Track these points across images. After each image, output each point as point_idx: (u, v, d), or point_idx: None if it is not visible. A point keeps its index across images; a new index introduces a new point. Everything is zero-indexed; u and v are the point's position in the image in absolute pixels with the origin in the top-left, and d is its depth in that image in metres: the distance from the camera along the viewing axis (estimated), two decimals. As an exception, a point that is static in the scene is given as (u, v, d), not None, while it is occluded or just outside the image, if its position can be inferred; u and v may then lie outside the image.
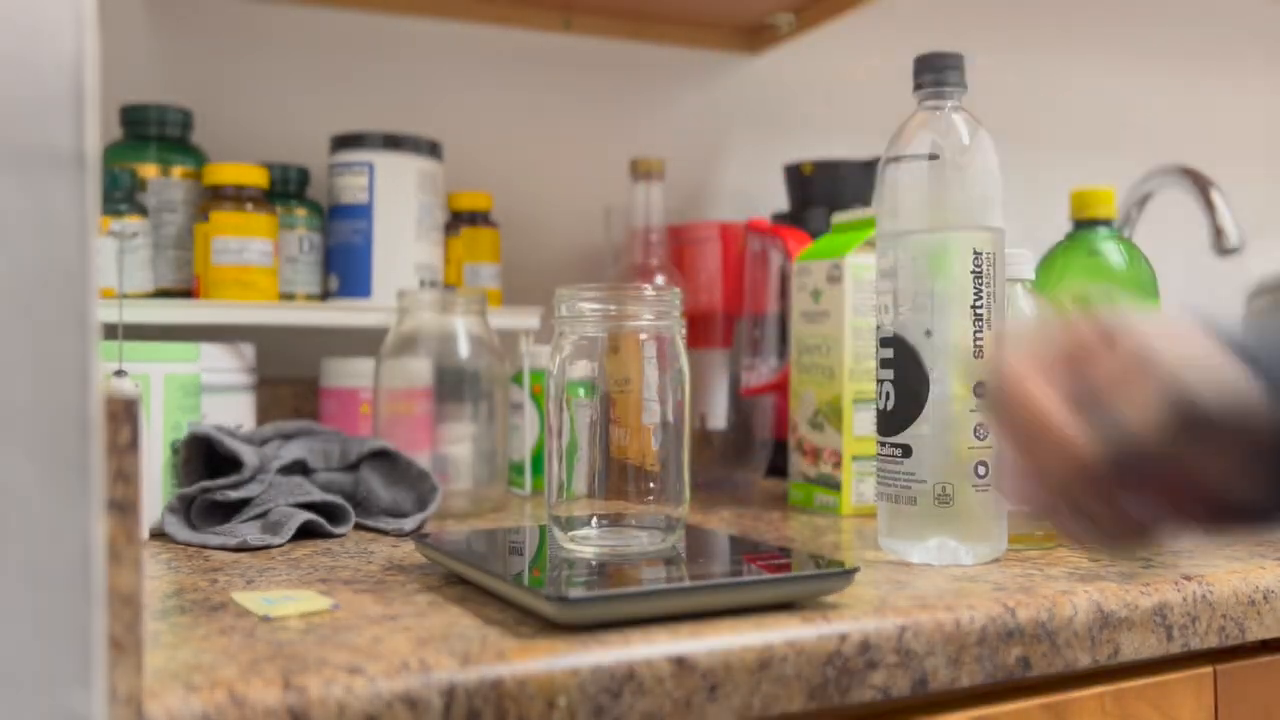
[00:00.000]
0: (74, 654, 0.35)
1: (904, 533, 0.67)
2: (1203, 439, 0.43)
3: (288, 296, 1.00)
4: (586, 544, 0.61)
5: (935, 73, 0.68)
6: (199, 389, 0.81)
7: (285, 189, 1.02)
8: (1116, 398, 0.44)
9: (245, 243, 0.93)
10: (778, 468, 1.05)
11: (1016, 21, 1.52)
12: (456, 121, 1.20)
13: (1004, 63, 1.51)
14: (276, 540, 0.71)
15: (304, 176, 1.03)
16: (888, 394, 0.68)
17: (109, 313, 0.82)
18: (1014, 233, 1.49)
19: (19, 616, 0.34)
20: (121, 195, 0.92)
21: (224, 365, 0.87)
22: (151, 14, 1.08)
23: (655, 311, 0.62)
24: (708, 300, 1.07)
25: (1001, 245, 0.67)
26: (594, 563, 0.58)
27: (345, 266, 1.00)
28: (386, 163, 0.99)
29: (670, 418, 0.62)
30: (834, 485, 0.87)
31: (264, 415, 1.07)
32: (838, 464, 0.86)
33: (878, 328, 0.69)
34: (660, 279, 1.04)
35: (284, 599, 0.56)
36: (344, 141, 1.00)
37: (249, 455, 0.76)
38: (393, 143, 1.00)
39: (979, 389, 0.65)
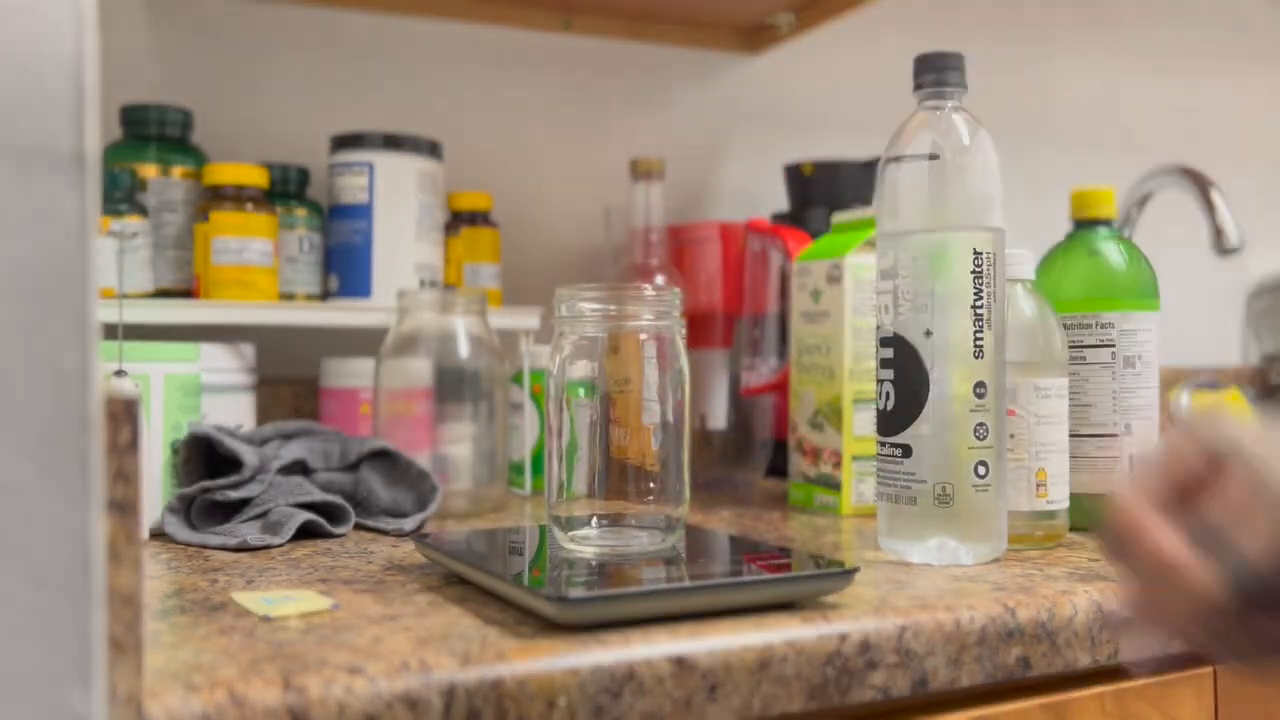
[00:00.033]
0: (74, 654, 0.35)
1: (904, 533, 0.67)
2: None
3: (288, 296, 1.00)
4: (586, 544, 0.61)
5: (935, 73, 0.68)
6: (199, 389, 0.81)
7: (285, 189, 1.02)
8: (1234, 529, 0.44)
9: (245, 243, 0.93)
10: (778, 468, 1.05)
11: (1016, 21, 1.52)
12: (456, 121, 1.20)
13: (1004, 63, 1.51)
14: (276, 540, 0.71)
15: (304, 176, 1.03)
16: (888, 394, 0.68)
17: (109, 313, 0.82)
18: (1014, 233, 1.49)
19: (19, 616, 0.34)
20: (121, 195, 0.92)
21: (224, 365, 0.87)
22: (151, 14, 1.08)
23: (655, 311, 0.62)
24: (708, 300, 1.07)
25: (1001, 245, 0.67)
26: (594, 563, 0.58)
27: (345, 266, 1.00)
28: (386, 163, 0.99)
29: (670, 418, 0.62)
30: (834, 485, 0.87)
31: (264, 415, 1.07)
32: (838, 464, 0.86)
33: (878, 328, 0.69)
34: (660, 279, 1.04)
35: (284, 599, 0.56)
36: (344, 141, 1.00)
37: (249, 455, 0.76)
38: (393, 143, 1.00)
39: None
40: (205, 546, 0.72)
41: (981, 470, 0.66)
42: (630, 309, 0.62)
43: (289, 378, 1.11)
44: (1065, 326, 0.79)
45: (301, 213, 1.01)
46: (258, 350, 1.09)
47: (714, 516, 0.85)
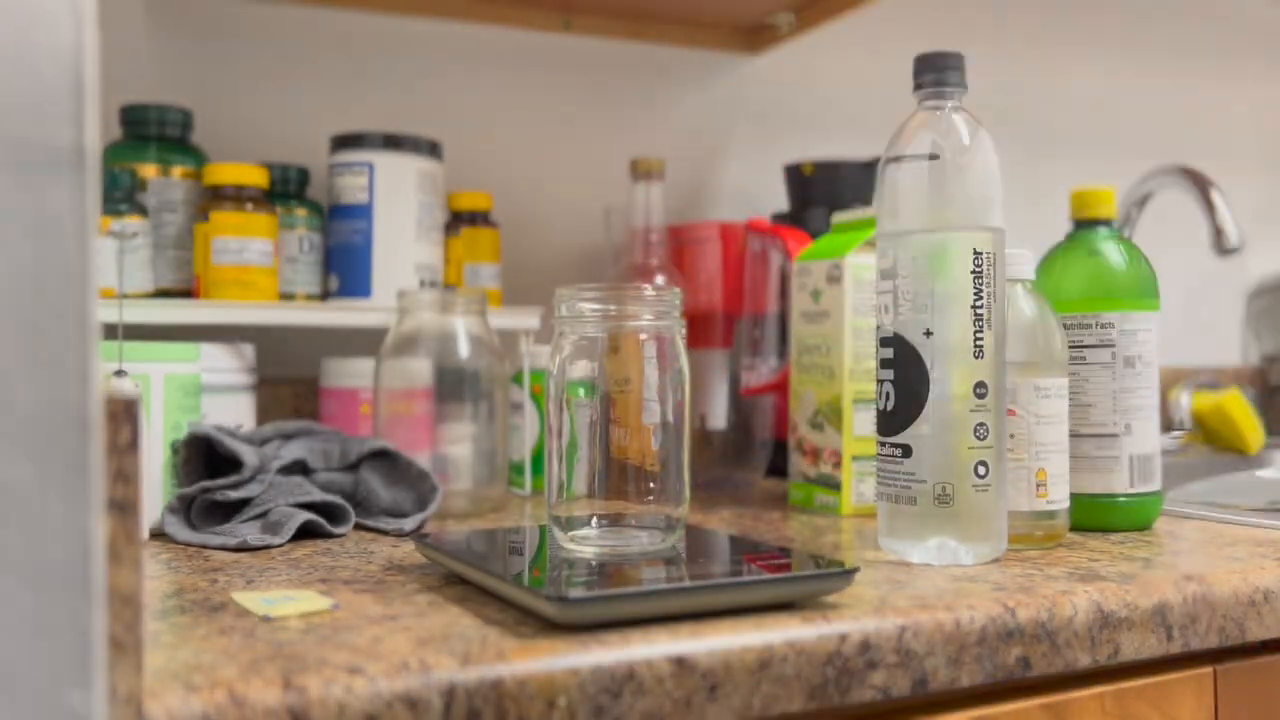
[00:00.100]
0: (74, 654, 0.35)
1: (904, 533, 0.67)
2: None
3: (288, 296, 1.00)
4: (586, 544, 0.61)
5: (935, 73, 0.68)
6: (199, 389, 0.81)
7: (285, 189, 1.02)
8: None
9: (245, 243, 0.93)
10: (778, 468, 1.05)
11: (1016, 21, 1.52)
12: (456, 121, 1.20)
13: (1004, 63, 1.51)
14: (276, 540, 0.71)
15: (304, 176, 1.03)
16: (888, 394, 0.68)
17: (109, 313, 0.82)
18: (1014, 233, 1.50)
19: (19, 616, 0.34)
20: (121, 195, 0.92)
21: (224, 365, 0.87)
22: (151, 14, 1.08)
23: (655, 311, 0.62)
24: (708, 300, 1.07)
25: (1001, 245, 0.67)
26: (594, 563, 0.58)
27: (345, 266, 1.00)
28: (386, 163, 0.99)
29: (670, 418, 0.62)
30: (834, 485, 0.87)
31: (264, 415, 1.07)
32: (838, 464, 0.86)
33: (878, 328, 0.69)
34: (660, 279, 1.04)
35: (284, 599, 0.56)
36: (344, 141, 1.00)
37: (249, 455, 0.76)
38: (393, 143, 1.00)
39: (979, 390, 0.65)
40: (205, 546, 0.72)
41: (981, 470, 0.66)
42: (630, 309, 0.62)
43: (289, 378, 1.11)
44: (1065, 326, 0.79)
45: (301, 213, 1.01)
46: (258, 350, 1.09)
47: (714, 516, 0.85)
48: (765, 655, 0.50)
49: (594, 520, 0.62)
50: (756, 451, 1.02)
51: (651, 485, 0.62)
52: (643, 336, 0.62)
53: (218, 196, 0.93)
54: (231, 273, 0.93)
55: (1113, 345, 0.79)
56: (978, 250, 0.66)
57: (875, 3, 1.19)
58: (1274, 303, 1.65)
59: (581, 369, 0.62)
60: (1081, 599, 0.58)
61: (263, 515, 0.75)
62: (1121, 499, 0.78)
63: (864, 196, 1.11)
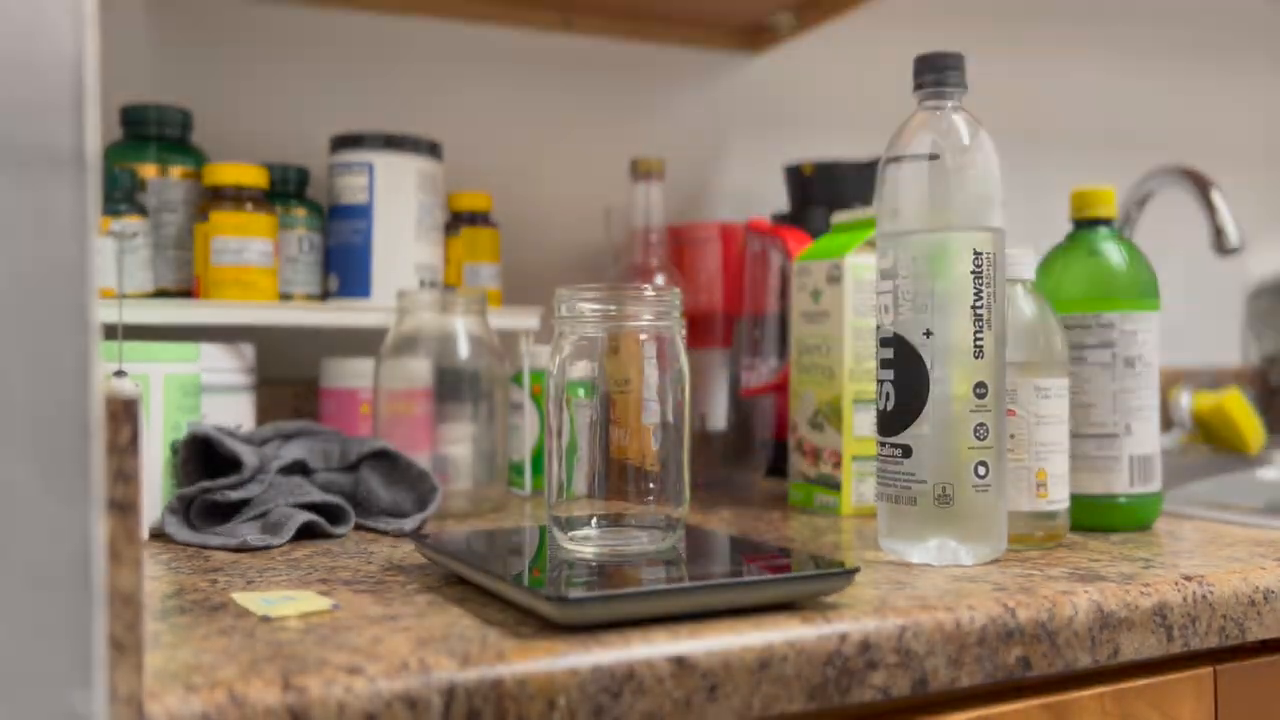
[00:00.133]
0: (74, 654, 0.35)
1: (904, 533, 0.67)
2: None
3: (287, 297, 1.00)
4: (586, 544, 0.61)
5: (936, 73, 0.68)
6: (199, 389, 0.81)
7: (285, 189, 1.02)
8: None
9: (245, 243, 0.93)
10: (778, 468, 1.05)
11: (1016, 21, 1.52)
12: (456, 121, 1.20)
13: (1004, 63, 1.51)
14: (276, 541, 0.71)
15: (304, 176, 1.03)
16: (888, 394, 0.68)
17: (109, 313, 0.82)
18: (1014, 233, 1.50)
19: (19, 616, 0.34)
20: (121, 195, 0.92)
21: (224, 365, 0.87)
22: (151, 14, 1.08)
23: (655, 311, 0.62)
24: (708, 300, 1.07)
25: (1001, 245, 0.67)
26: (594, 563, 0.58)
27: (345, 266, 1.00)
28: (386, 163, 0.99)
29: (670, 418, 0.62)
30: (834, 485, 0.87)
31: (264, 415, 1.07)
32: (838, 464, 0.86)
33: (878, 328, 0.69)
34: (660, 279, 1.04)
35: (284, 599, 0.56)
36: (344, 141, 1.00)
37: (249, 455, 0.76)
38: (393, 143, 1.00)
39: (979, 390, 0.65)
40: (205, 547, 0.72)
41: (982, 470, 0.66)
42: (630, 309, 0.62)
43: (289, 378, 1.11)
44: (1065, 326, 0.79)
45: (301, 213, 1.01)
46: (258, 350, 1.09)
47: (714, 516, 0.85)
48: (765, 655, 0.50)
49: (594, 520, 0.62)
50: (756, 451, 1.02)
51: (651, 485, 0.62)
52: (643, 336, 0.62)
53: (217, 196, 0.93)
54: (231, 273, 0.93)
55: (1113, 345, 0.79)
56: (978, 250, 0.66)
57: (875, 3, 1.19)
58: (1274, 303, 1.65)
59: (581, 369, 0.62)
60: (1082, 599, 0.58)
61: (263, 515, 0.75)
62: (1121, 499, 0.78)
63: (864, 196, 1.11)
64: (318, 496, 0.76)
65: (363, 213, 0.99)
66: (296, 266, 1.00)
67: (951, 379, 0.66)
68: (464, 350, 0.87)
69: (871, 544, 0.73)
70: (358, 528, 0.80)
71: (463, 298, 0.88)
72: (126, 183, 0.92)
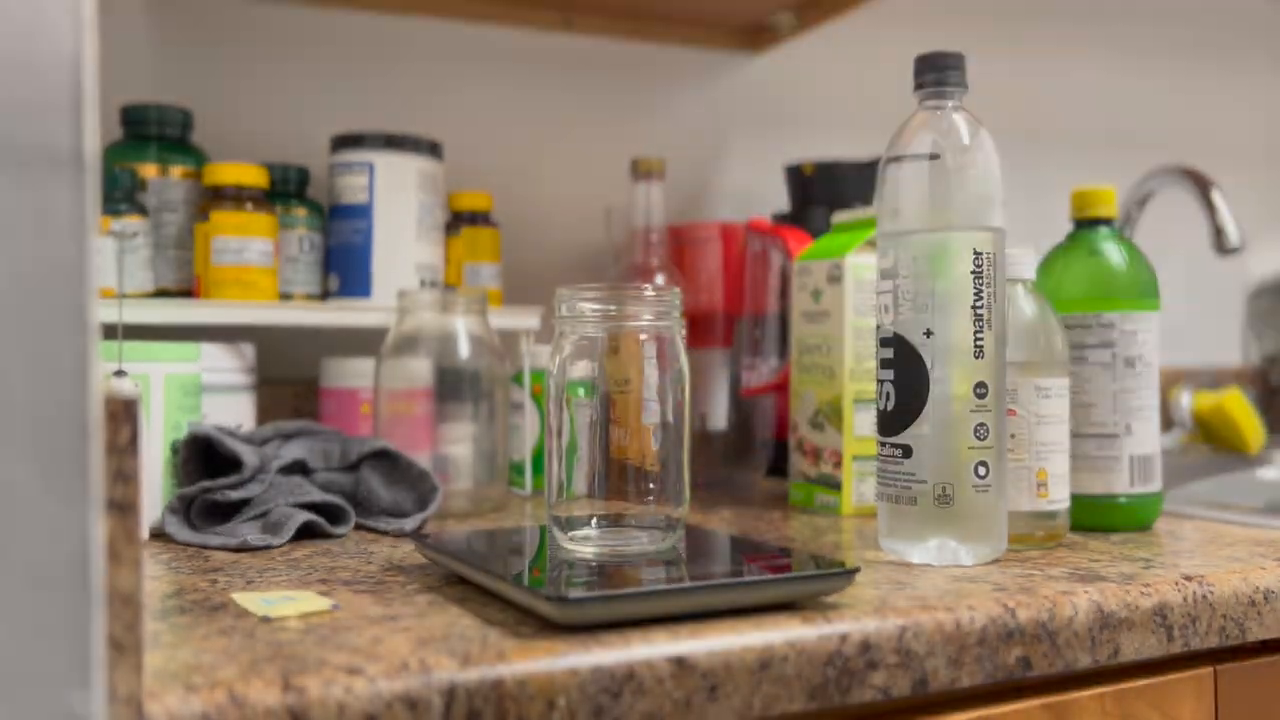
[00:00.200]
0: (74, 654, 0.35)
1: (904, 533, 0.67)
2: None
3: (287, 296, 1.00)
4: (586, 544, 0.61)
5: (936, 72, 0.68)
6: (199, 389, 0.81)
7: (285, 189, 1.02)
8: None
9: (245, 243, 0.93)
10: (778, 468, 1.05)
11: (1016, 21, 1.52)
12: (456, 121, 1.20)
13: (1004, 63, 1.51)
14: (276, 540, 0.71)
15: (304, 176, 1.03)
16: (888, 394, 0.68)
17: (109, 313, 0.82)
18: (1014, 233, 1.49)
19: (19, 616, 0.34)
20: (121, 195, 0.92)
21: (224, 365, 0.87)
22: (151, 14, 1.08)
23: (655, 311, 0.62)
24: (708, 300, 1.07)
25: (1001, 245, 0.67)
26: (594, 563, 0.58)
27: (345, 266, 1.00)
28: (386, 163, 0.99)
29: (670, 418, 0.62)
30: (834, 485, 0.87)
31: (264, 415, 1.07)
32: (838, 464, 0.86)
33: (878, 328, 0.69)
34: (660, 279, 1.04)
35: (284, 599, 0.56)
36: (344, 141, 1.00)
37: (249, 455, 0.76)
38: (393, 143, 1.00)
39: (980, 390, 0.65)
40: (205, 547, 0.72)
41: (982, 470, 0.66)
42: (630, 309, 0.62)
43: (289, 378, 1.11)
44: (1066, 326, 0.79)
45: (301, 213, 1.01)
46: (258, 350, 1.09)
47: (714, 516, 0.85)
48: (765, 655, 0.50)
49: (594, 520, 0.62)
50: (757, 451, 1.02)
51: (651, 485, 0.62)
52: (643, 336, 0.62)
53: (218, 196, 0.93)
54: (231, 273, 0.93)
55: (1113, 345, 0.79)
56: (978, 250, 0.66)
57: (875, 3, 1.19)
58: (1274, 303, 1.65)
59: (581, 369, 0.62)
60: (1082, 599, 0.58)
61: (263, 515, 0.75)
62: (1122, 499, 0.78)
63: (864, 196, 1.11)
64: (318, 496, 0.76)
65: (363, 212, 0.99)
66: (297, 266, 1.00)
67: (952, 379, 0.66)
68: (464, 350, 0.87)
69: (872, 544, 0.73)
70: (358, 528, 0.80)
71: (463, 297, 0.88)
72: (126, 183, 0.92)
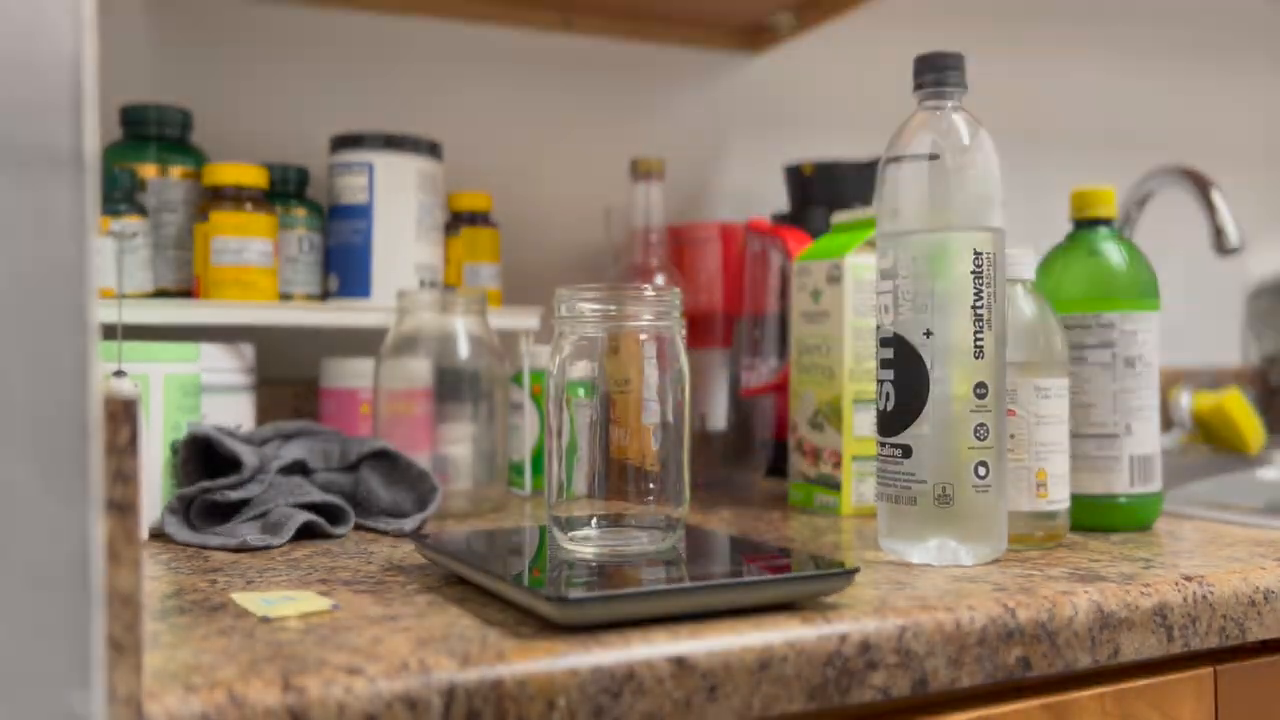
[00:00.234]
0: (74, 654, 0.35)
1: (904, 533, 0.67)
2: None
3: (287, 297, 1.00)
4: (586, 544, 0.61)
5: (936, 72, 0.68)
6: (199, 389, 0.81)
7: (285, 189, 1.02)
8: None
9: (245, 243, 0.93)
10: (778, 468, 1.05)
11: (1016, 21, 1.52)
12: (456, 121, 1.20)
13: (1004, 63, 1.51)
14: (276, 541, 0.71)
15: (304, 176, 1.03)
16: (888, 394, 0.68)
17: (109, 313, 0.82)
18: (1014, 233, 1.49)
19: (19, 616, 0.34)
20: (121, 195, 0.92)
21: (224, 365, 0.87)
22: (151, 14, 1.08)
23: (655, 311, 0.62)
24: (708, 300, 1.07)
25: (1001, 245, 0.67)
26: (594, 563, 0.58)
27: (345, 266, 1.00)
28: (386, 163, 0.99)
29: (670, 418, 0.62)
30: (834, 485, 0.87)
31: (264, 415, 1.07)
32: (838, 464, 0.86)
33: (878, 328, 0.69)
34: (660, 279, 1.04)
35: (283, 599, 0.56)
36: (344, 141, 1.00)
37: (249, 455, 0.76)
38: (393, 143, 1.00)
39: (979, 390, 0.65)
40: (205, 547, 0.72)
41: (982, 470, 0.66)
42: (630, 309, 0.62)
43: (289, 378, 1.11)
44: (1065, 326, 0.79)
45: (301, 213, 1.01)
46: (258, 350, 1.09)
47: (714, 516, 0.85)
48: (765, 656, 0.50)
49: (594, 520, 0.62)
50: (756, 451, 1.02)
51: (651, 485, 0.62)
52: (643, 336, 0.62)
53: (217, 196, 0.93)
54: (231, 273, 0.93)
55: (1113, 345, 0.79)
56: (978, 250, 0.66)
57: (875, 3, 1.19)
58: (1274, 303, 1.65)
59: (581, 369, 0.62)
60: (1082, 599, 0.58)
61: (262, 515, 0.75)
62: (1122, 499, 0.78)
63: (864, 196, 1.11)
64: (318, 496, 0.76)
65: (363, 213, 0.99)
66: (296, 266, 1.00)
67: (951, 379, 0.66)
68: (464, 350, 0.87)
69: (871, 544, 0.73)
70: (358, 528, 0.80)
71: (463, 298, 0.88)
72: (126, 183, 0.92)
